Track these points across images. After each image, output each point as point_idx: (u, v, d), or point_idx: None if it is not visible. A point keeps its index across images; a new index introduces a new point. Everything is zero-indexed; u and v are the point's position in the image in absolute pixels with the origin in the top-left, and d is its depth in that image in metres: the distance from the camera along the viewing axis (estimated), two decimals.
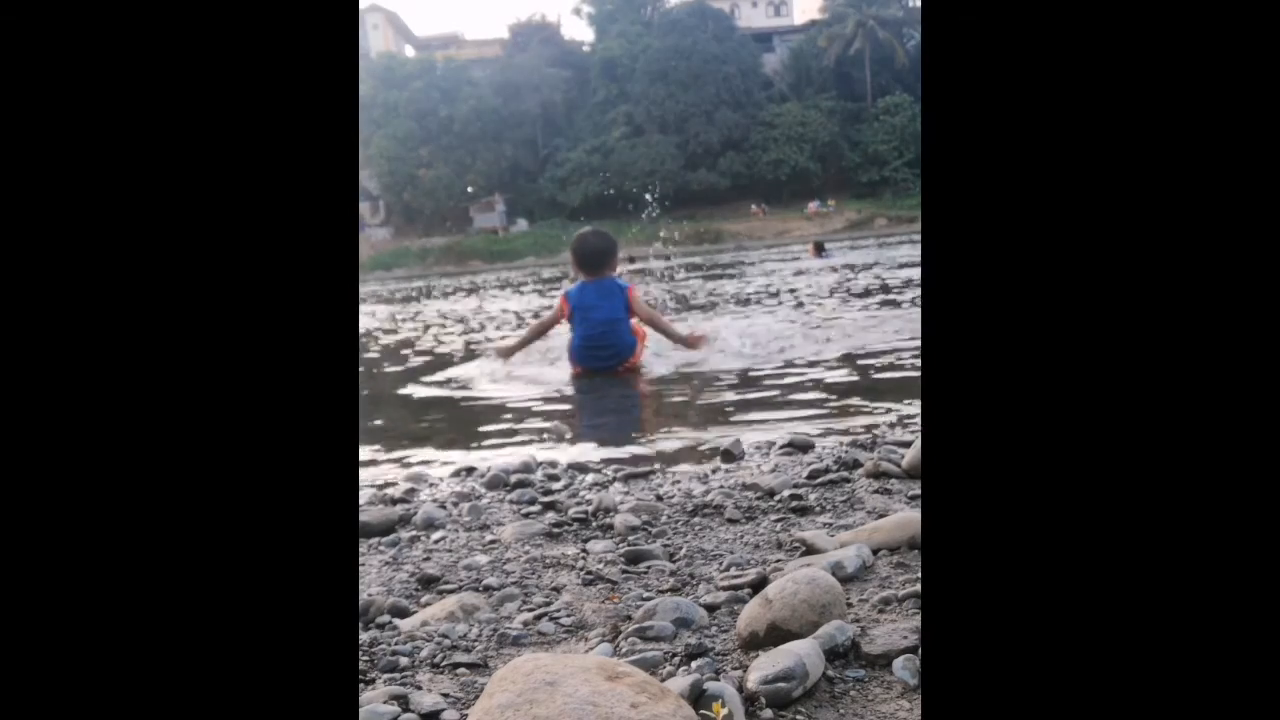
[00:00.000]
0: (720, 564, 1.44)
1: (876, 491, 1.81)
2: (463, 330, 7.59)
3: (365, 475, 2.44)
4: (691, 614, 1.19)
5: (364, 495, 2.16)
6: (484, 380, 4.16)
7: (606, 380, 3.84)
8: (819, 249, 16.45)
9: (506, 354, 4.28)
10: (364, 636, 1.24)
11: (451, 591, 1.43)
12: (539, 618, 1.27)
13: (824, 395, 3.14)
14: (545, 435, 2.84)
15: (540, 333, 4.26)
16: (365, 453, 2.76)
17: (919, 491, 1.74)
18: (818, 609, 1.10)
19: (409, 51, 49.54)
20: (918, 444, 1.92)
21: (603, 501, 1.86)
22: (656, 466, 2.26)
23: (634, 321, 4.02)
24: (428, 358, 5.55)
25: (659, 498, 1.92)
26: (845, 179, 40.26)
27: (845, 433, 2.49)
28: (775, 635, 1.07)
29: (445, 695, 1.04)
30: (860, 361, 3.82)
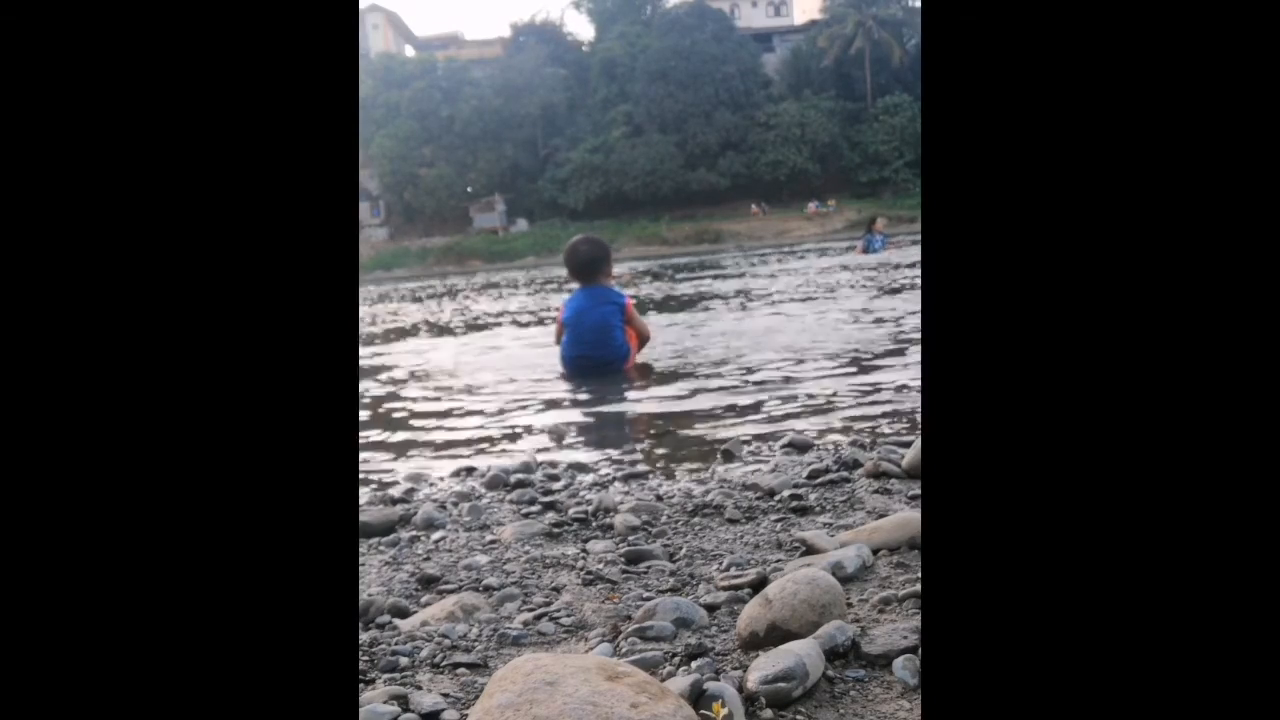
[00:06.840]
0: (720, 564, 1.44)
1: (876, 491, 1.81)
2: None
3: (365, 475, 2.44)
4: (691, 614, 1.19)
5: (364, 495, 2.16)
6: (485, 380, 4.16)
7: (605, 381, 3.84)
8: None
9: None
10: (364, 636, 1.24)
11: (451, 591, 1.43)
12: (539, 618, 1.27)
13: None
14: (546, 435, 2.84)
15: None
16: (364, 453, 2.75)
17: (919, 491, 1.74)
18: (818, 609, 1.10)
19: (409, 51, 49.47)
20: (918, 444, 1.92)
21: (603, 501, 1.86)
22: (657, 466, 2.26)
23: (627, 328, 4.02)
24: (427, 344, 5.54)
25: (659, 498, 1.92)
26: (845, 179, 40.19)
27: (845, 432, 2.50)
28: (775, 635, 1.07)
29: (445, 695, 1.03)
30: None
